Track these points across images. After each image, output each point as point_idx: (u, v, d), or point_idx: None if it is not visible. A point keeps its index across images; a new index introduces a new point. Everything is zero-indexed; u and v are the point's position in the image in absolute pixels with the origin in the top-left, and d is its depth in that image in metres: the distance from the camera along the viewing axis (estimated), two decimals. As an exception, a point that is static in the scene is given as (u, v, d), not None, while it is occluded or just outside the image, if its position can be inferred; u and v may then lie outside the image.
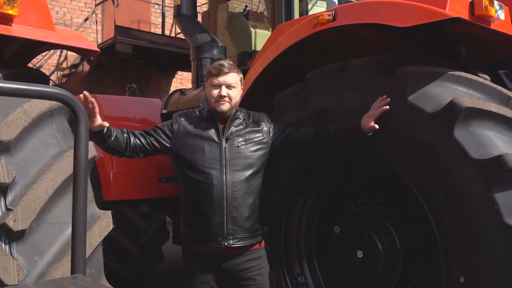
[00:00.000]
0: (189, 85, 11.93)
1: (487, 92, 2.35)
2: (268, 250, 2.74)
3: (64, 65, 10.40)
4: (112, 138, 2.45)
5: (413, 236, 2.59)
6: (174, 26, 10.71)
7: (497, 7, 2.45)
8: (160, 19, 11.15)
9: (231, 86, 2.59)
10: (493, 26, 2.46)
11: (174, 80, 11.74)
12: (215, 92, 2.58)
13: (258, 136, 2.65)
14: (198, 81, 4.30)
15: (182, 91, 4.43)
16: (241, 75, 2.67)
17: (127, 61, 10.27)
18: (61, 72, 10.34)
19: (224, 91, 2.56)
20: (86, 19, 10.51)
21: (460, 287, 2.15)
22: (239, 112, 2.68)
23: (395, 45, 2.82)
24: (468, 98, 2.23)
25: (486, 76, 2.57)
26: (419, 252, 2.57)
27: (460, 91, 2.31)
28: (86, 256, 1.86)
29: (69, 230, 1.90)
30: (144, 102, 5.55)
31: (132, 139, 2.56)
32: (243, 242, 2.55)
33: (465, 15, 2.37)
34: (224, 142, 2.58)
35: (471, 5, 2.40)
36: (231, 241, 2.52)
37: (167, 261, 4.86)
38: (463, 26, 2.44)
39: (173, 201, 4.41)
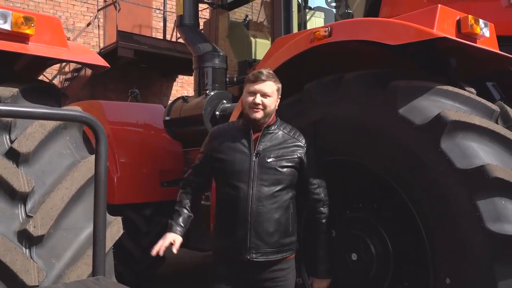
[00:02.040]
0: (189, 89, 12.15)
1: (472, 105, 2.51)
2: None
3: (66, 69, 10.57)
4: (191, 216, 2.75)
5: (404, 241, 2.76)
6: (175, 30, 10.89)
7: (482, 25, 2.63)
8: (161, 24, 11.32)
9: (267, 94, 2.62)
10: (478, 42, 2.64)
11: (175, 84, 11.91)
12: (250, 99, 2.62)
13: (291, 154, 2.67)
14: (200, 89, 4.46)
15: (184, 99, 4.59)
16: (279, 85, 2.70)
17: (129, 65, 10.45)
18: (64, 76, 10.51)
19: (259, 99, 2.60)
20: (88, 24, 10.69)
21: (446, 288, 2.32)
22: (275, 126, 2.72)
23: (388, 59, 2.98)
24: (454, 111, 2.40)
25: (472, 90, 2.74)
26: (410, 256, 2.73)
27: (447, 104, 2.47)
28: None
29: (83, 235, 2.08)
30: (147, 108, 5.72)
31: (195, 192, 2.78)
32: (266, 257, 2.60)
33: (452, 33, 2.54)
34: (254, 156, 2.62)
35: (458, 24, 2.58)
36: (253, 255, 2.57)
37: (168, 263, 5.01)
38: (451, 41, 2.61)
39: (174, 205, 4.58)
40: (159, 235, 4.77)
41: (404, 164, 2.50)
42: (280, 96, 2.72)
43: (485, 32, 2.64)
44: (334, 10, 4.59)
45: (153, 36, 11.11)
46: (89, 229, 2.04)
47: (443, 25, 2.51)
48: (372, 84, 2.70)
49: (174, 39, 11.10)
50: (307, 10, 4.43)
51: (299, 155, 2.69)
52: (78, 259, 2.01)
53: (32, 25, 2.34)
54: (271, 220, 2.59)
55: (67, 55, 2.55)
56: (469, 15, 2.57)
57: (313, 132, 2.91)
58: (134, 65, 10.56)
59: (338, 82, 2.87)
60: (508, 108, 2.66)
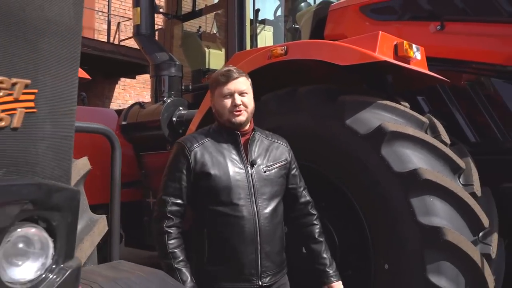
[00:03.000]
0: (132, 91, 12.24)
1: (407, 117, 2.97)
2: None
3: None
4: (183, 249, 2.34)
5: (349, 234, 3.18)
6: (118, 33, 10.97)
7: (415, 50, 3.10)
8: (104, 26, 11.37)
9: (244, 92, 2.41)
10: (411, 64, 3.11)
11: (117, 86, 11.97)
12: (228, 102, 2.38)
13: (280, 160, 2.51)
14: (157, 96, 4.73)
15: (141, 104, 4.84)
16: (249, 80, 2.52)
17: (71, 67, 10.41)
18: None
19: (238, 99, 2.38)
20: (28, 24, 10.57)
21: (384, 273, 2.76)
22: (255, 131, 2.52)
23: (337, 75, 3.41)
24: (393, 123, 2.84)
25: (406, 104, 3.20)
26: (354, 247, 3.16)
27: (386, 116, 2.91)
28: (90, 252, 2.32)
29: (81, 224, 2.31)
30: (98, 112, 5.89)
31: (182, 228, 2.38)
32: (274, 278, 2.41)
33: (390, 56, 3.00)
34: (249, 168, 2.38)
35: (395, 48, 3.04)
36: (265, 279, 2.36)
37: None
38: (389, 63, 3.06)
39: (126, 206, 4.81)
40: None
41: (350, 168, 2.91)
42: (253, 93, 2.52)
43: (417, 55, 3.11)
44: (282, 26, 4.99)
45: (96, 38, 11.14)
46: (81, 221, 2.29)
47: (383, 49, 2.96)
48: (322, 97, 3.10)
49: (117, 42, 11.19)
50: (257, 24, 4.81)
51: (286, 157, 2.55)
52: (78, 245, 2.22)
53: None
54: (276, 237, 2.42)
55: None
56: (405, 41, 3.03)
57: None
58: (75, 67, 10.53)
59: (293, 94, 3.25)
60: (435, 120, 3.15)
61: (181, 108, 4.53)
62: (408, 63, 3.08)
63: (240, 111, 2.38)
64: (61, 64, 1.06)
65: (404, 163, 2.69)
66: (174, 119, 4.46)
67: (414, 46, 3.08)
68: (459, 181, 2.85)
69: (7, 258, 0.97)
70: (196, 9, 5.19)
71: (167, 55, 4.76)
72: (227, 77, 2.40)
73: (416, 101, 3.53)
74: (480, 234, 2.69)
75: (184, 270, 2.28)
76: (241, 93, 2.40)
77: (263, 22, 4.79)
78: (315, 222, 2.64)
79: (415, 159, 2.71)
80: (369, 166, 2.79)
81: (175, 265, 2.28)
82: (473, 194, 2.75)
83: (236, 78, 2.40)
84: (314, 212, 2.65)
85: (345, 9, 4.09)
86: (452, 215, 2.62)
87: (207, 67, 4.99)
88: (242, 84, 2.42)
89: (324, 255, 2.60)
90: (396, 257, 2.70)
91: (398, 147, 2.74)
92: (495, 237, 2.78)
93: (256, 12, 4.67)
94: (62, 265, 1.07)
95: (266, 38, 4.69)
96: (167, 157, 2.52)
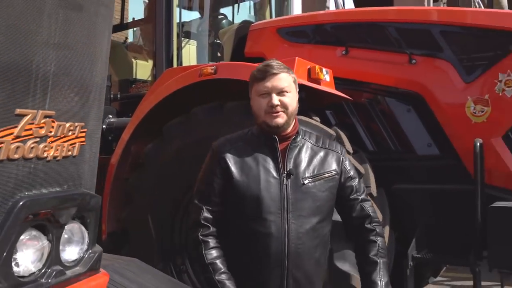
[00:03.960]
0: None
1: (318, 130, 3.53)
2: (157, 241, 3.63)
3: None
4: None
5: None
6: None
7: (325, 73, 3.71)
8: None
9: (284, 91, 2.13)
10: (322, 84, 3.72)
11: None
12: (264, 102, 2.13)
13: (329, 171, 2.19)
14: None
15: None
16: (294, 76, 2.25)
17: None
18: None
19: (276, 98, 2.10)
20: None
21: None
22: (300, 135, 2.25)
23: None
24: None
25: (317, 118, 3.80)
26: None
27: (301, 130, 3.49)
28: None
29: None
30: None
31: (214, 224, 2.15)
32: None
33: (305, 78, 3.58)
34: (285, 178, 2.09)
35: (309, 71, 3.63)
36: None
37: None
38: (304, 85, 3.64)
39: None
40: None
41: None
42: (298, 90, 2.28)
43: (326, 77, 3.73)
44: (206, 42, 5.45)
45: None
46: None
47: (299, 72, 3.54)
48: (247, 112, 3.62)
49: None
50: (182, 38, 5.26)
51: (336, 168, 2.22)
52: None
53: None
54: (312, 261, 2.12)
55: None
56: (316, 66, 3.63)
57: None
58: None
59: (220, 108, 3.75)
60: (340, 132, 3.76)
61: (110, 116, 4.86)
62: (319, 83, 3.69)
63: (277, 112, 2.11)
64: (97, 111, 1.50)
65: (316, 169, 3.27)
66: (103, 126, 4.79)
67: (324, 69, 3.70)
68: (360, 183, 3.49)
69: (64, 245, 1.39)
70: (124, 21, 5.54)
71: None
72: (264, 73, 2.16)
73: (325, 115, 4.15)
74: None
75: (227, 283, 2.05)
76: (280, 92, 2.13)
77: (188, 36, 5.23)
78: (372, 238, 2.25)
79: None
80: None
81: (216, 278, 2.05)
82: (370, 195, 3.39)
83: (275, 74, 2.14)
84: (372, 227, 2.27)
85: (264, 30, 4.65)
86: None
87: (134, 77, 5.35)
88: (282, 81, 2.14)
89: (377, 279, 2.18)
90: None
91: (311, 156, 3.32)
92: (386, 229, 3.44)
93: (182, 26, 5.11)
94: (91, 250, 1.50)
95: (190, 52, 5.15)
96: None
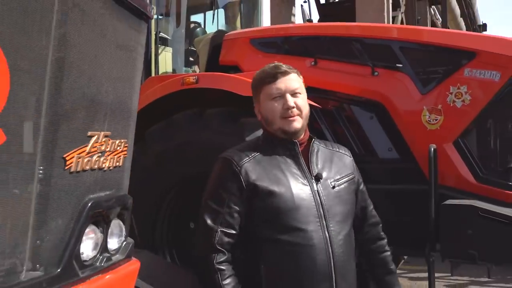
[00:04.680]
0: None
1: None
2: (139, 237, 3.97)
3: None
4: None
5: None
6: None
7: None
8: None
9: (297, 92, 2.04)
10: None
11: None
12: (278, 105, 2.01)
13: (348, 173, 2.16)
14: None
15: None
16: (302, 77, 2.20)
17: None
18: None
19: (291, 100, 2.00)
20: None
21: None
22: (314, 139, 2.18)
23: (242, 99, 4.32)
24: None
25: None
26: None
27: (276, 135, 3.93)
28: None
29: None
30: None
31: (237, 264, 2.00)
32: None
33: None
34: (314, 184, 2.01)
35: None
36: None
37: None
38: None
39: None
40: None
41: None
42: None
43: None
44: (182, 49, 5.79)
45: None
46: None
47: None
48: (226, 118, 4.03)
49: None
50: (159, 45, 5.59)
51: (353, 170, 2.21)
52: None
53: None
54: (352, 269, 2.06)
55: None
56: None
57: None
58: None
59: (200, 114, 4.14)
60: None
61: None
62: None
63: (293, 116, 2.01)
64: (133, 129, 1.89)
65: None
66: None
67: (297, 80, 4.14)
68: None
69: (110, 236, 1.78)
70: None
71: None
72: (274, 74, 2.05)
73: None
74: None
75: None
76: (294, 93, 2.04)
77: (166, 43, 5.57)
78: (387, 248, 2.26)
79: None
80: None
81: None
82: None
83: (287, 73, 2.06)
84: (384, 235, 2.28)
85: (238, 39, 5.06)
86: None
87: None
88: (294, 82, 2.07)
89: None
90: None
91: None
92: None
93: (158, 33, 5.45)
94: (126, 241, 1.89)
95: (166, 59, 5.50)
96: None
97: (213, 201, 2.03)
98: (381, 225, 2.30)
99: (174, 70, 5.40)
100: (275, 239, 1.94)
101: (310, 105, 4.13)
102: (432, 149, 3.76)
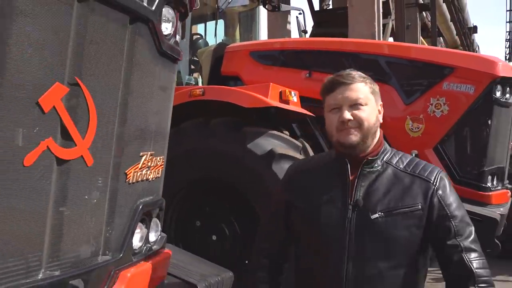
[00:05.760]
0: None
1: (287, 142, 4.56)
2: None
3: None
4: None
5: (247, 225, 4.70)
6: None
7: (293, 95, 4.75)
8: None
9: (358, 103, 1.90)
10: (290, 104, 4.75)
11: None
12: (335, 117, 1.92)
13: (410, 204, 1.87)
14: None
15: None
16: (375, 86, 2.01)
17: None
18: None
19: (347, 113, 1.88)
20: None
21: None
22: (381, 158, 1.97)
23: (244, 110, 4.88)
24: (279, 147, 4.42)
25: (286, 132, 4.83)
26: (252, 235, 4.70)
27: (275, 143, 4.47)
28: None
29: None
30: None
31: (276, 272, 2.06)
32: None
33: (277, 100, 4.61)
34: (350, 210, 1.87)
35: (280, 94, 4.65)
36: None
37: None
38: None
39: None
40: None
41: (250, 178, 4.45)
42: (381, 103, 2.05)
43: (294, 98, 4.77)
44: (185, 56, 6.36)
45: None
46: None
47: (272, 95, 4.56)
48: (230, 127, 4.61)
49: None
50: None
51: (422, 201, 1.88)
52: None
53: None
54: None
55: None
56: (287, 89, 4.66)
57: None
58: None
59: (207, 123, 4.71)
60: (305, 143, 4.80)
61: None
62: (288, 103, 4.72)
63: (348, 129, 1.89)
64: (167, 145, 2.48)
65: (288, 175, 4.29)
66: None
67: (292, 92, 4.74)
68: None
69: (150, 231, 2.37)
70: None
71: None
72: (333, 84, 1.95)
73: (291, 127, 5.20)
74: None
75: None
76: (353, 105, 1.91)
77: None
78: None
79: (294, 172, 4.32)
80: (264, 178, 4.34)
81: None
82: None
83: (346, 84, 1.92)
84: None
85: (238, 52, 5.65)
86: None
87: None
88: (355, 92, 1.92)
89: None
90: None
91: (284, 164, 4.33)
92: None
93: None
94: (161, 235, 2.49)
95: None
96: None
97: (269, 210, 2.31)
98: (476, 275, 1.81)
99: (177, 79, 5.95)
100: (298, 257, 2.03)
101: (306, 115, 4.87)
102: (414, 154, 4.33)
